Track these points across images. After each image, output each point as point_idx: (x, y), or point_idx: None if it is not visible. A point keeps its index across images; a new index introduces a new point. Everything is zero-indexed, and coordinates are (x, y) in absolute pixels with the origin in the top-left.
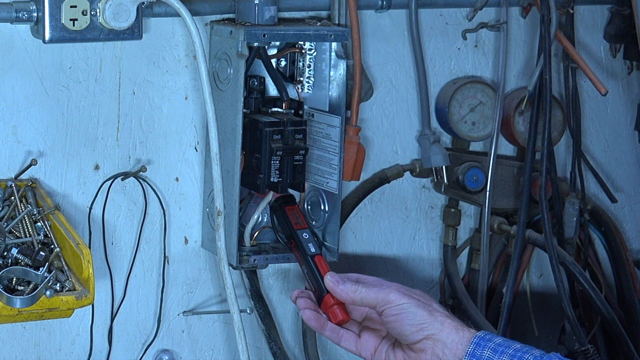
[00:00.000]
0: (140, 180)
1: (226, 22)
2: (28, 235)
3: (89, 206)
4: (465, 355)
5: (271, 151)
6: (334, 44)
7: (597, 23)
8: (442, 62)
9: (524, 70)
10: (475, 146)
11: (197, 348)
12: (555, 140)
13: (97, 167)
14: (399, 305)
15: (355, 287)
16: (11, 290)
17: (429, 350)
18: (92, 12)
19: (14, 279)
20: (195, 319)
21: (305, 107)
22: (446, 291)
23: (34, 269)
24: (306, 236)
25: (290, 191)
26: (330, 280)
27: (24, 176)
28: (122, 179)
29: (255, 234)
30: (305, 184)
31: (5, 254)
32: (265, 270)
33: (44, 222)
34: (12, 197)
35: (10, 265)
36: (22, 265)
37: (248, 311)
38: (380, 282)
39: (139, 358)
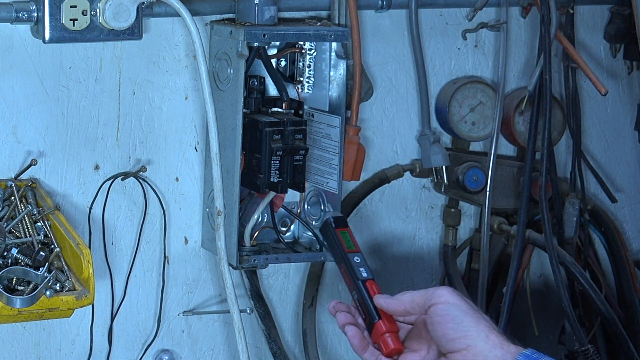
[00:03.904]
0: (140, 180)
1: (226, 22)
2: (28, 235)
3: (89, 206)
4: None
5: (271, 151)
6: (334, 44)
7: (597, 23)
8: (442, 62)
9: (524, 70)
10: (475, 146)
11: (197, 348)
12: (555, 140)
13: (97, 167)
14: (447, 303)
15: (404, 292)
16: (11, 290)
17: None
18: (92, 12)
19: (14, 279)
20: (195, 319)
21: (305, 107)
22: None
23: (34, 269)
24: (358, 260)
25: (290, 191)
26: (380, 297)
27: (24, 176)
28: (122, 179)
29: (255, 234)
30: (305, 184)
31: (5, 254)
32: (265, 270)
33: (44, 222)
34: (12, 197)
35: (10, 265)
36: (22, 265)
37: (248, 311)
38: None
39: (139, 358)
